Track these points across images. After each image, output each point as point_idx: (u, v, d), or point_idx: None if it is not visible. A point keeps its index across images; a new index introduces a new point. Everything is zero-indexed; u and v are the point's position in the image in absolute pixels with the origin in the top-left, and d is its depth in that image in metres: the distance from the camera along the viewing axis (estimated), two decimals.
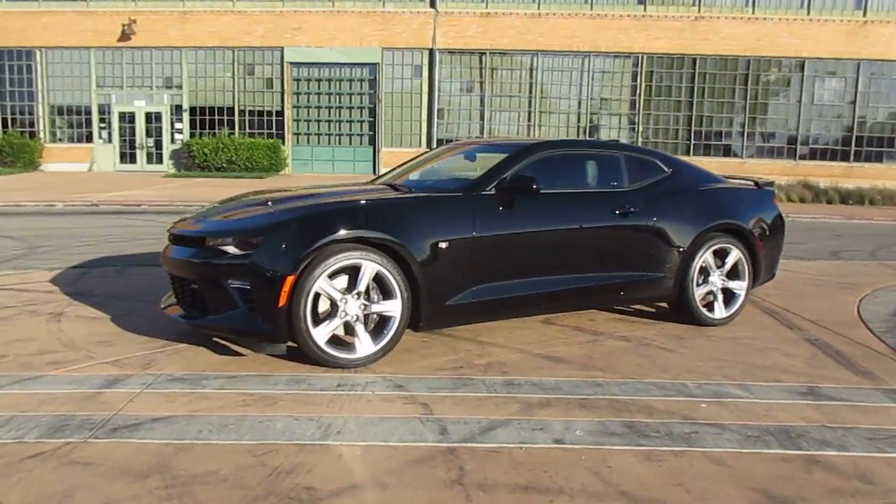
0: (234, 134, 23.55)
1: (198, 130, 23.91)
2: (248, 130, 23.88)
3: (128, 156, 24.12)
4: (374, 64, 23.55)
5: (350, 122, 24.08)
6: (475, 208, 4.51)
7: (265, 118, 24.00)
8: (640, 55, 23.61)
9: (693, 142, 23.86)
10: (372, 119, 23.93)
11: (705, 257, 5.27)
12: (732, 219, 5.39)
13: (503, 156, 5.02)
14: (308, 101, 24.06)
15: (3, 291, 5.98)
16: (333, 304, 4.09)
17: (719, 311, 5.38)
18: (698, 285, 5.27)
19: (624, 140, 23.00)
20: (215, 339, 4.59)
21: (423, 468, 2.92)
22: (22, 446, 3.03)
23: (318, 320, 4.05)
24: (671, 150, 22.65)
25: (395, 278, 4.15)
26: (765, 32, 23.27)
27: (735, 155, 23.90)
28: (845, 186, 20.18)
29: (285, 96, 23.77)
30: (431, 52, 23.45)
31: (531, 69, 23.79)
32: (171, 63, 23.84)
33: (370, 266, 4.09)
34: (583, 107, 24.04)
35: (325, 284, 4.02)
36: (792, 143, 23.99)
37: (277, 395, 3.68)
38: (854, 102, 23.71)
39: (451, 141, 22.94)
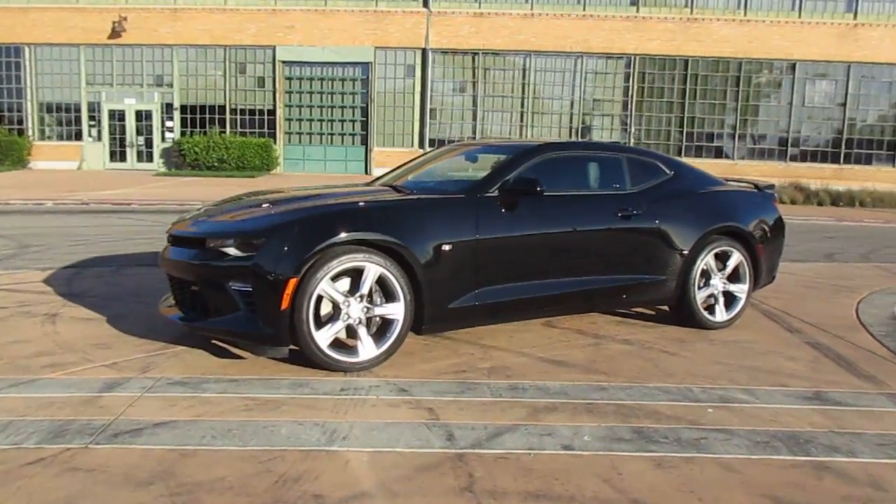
0: (225, 133, 23.43)
1: (189, 129, 23.78)
2: (239, 129, 23.77)
3: (118, 154, 23.96)
4: (367, 63, 23.49)
5: (342, 121, 24.01)
6: (478, 210, 4.47)
7: (257, 117, 23.89)
8: (632, 56, 23.67)
9: (685, 143, 23.94)
10: (364, 119, 23.87)
11: (707, 260, 5.25)
12: (734, 221, 5.38)
13: (505, 157, 4.99)
14: (300, 101, 23.97)
15: None
16: (336, 307, 4.04)
17: (720, 315, 5.36)
18: (700, 288, 5.26)
19: (616, 141, 23.05)
20: (214, 341, 4.53)
21: (431, 475, 2.87)
22: (21, 452, 2.97)
23: (320, 323, 4.00)
24: (663, 151, 22.68)
25: (398, 281, 4.10)
26: (756, 34, 23.38)
27: (726, 156, 24.00)
28: (836, 188, 20.31)
29: (277, 95, 23.66)
30: (424, 51, 23.41)
31: (524, 69, 23.80)
32: (162, 61, 23.69)
33: (373, 268, 4.04)
34: (575, 107, 24.07)
35: (328, 287, 3.97)
36: (783, 144, 24.12)
37: (280, 400, 3.63)
38: (844, 105, 23.86)
39: (444, 141, 22.97)
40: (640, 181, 5.23)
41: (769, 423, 3.52)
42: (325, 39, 23.27)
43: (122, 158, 23.95)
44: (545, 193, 4.59)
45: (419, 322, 4.26)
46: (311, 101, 23.96)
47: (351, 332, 4.12)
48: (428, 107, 23.68)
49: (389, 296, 4.13)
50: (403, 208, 4.40)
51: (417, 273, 4.16)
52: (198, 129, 23.70)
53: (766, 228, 5.65)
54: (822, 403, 3.85)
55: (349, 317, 4.05)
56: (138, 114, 23.84)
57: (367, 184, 5.67)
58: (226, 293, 3.98)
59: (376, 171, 22.77)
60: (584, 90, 23.96)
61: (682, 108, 23.92)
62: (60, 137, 24.06)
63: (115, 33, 23.13)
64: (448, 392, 3.82)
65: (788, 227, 6.15)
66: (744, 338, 5.17)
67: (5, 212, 12.32)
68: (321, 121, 24.02)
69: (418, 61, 23.58)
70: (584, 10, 23.36)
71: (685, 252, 5.16)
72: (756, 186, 6.00)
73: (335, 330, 4.03)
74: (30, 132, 23.68)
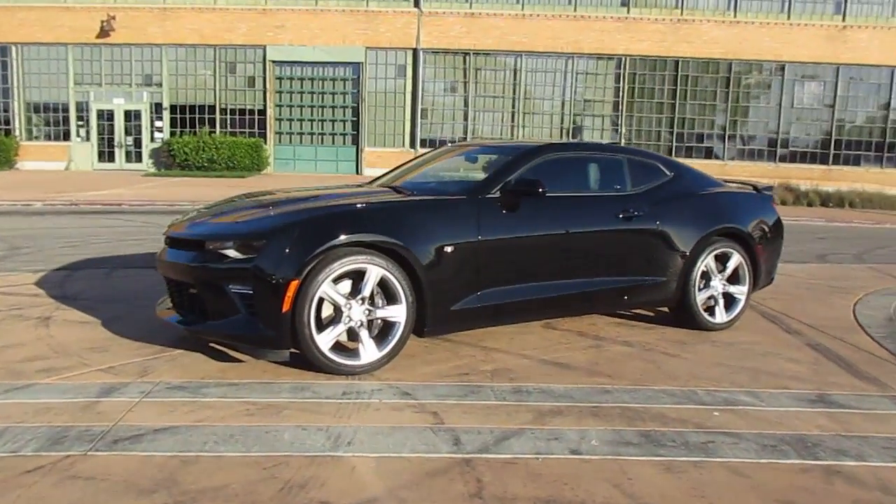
0: (215, 133, 23.28)
1: (178, 129, 23.60)
2: (229, 129, 23.62)
3: (106, 154, 23.75)
4: (358, 63, 23.40)
5: (333, 121, 23.90)
6: (480, 211, 4.43)
7: (247, 117, 23.76)
8: (622, 57, 23.70)
9: (675, 144, 23.99)
10: (355, 119, 23.78)
11: (707, 262, 5.24)
12: (734, 223, 5.37)
13: (504, 158, 4.95)
14: (290, 101, 23.86)
15: None
16: (337, 310, 3.99)
17: (720, 316, 5.35)
18: (700, 290, 5.24)
19: (607, 142, 23.07)
20: (212, 344, 4.47)
21: (440, 481, 2.83)
22: (19, 460, 2.90)
23: (321, 326, 3.95)
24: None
25: (400, 283, 4.05)
26: (746, 36, 23.47)
27: (716, 157, 24.07)
28: (825, 189, 20.42)
29: (267, 95, 23.54)
30: (415, 51, 23.35)
31: (515, 70, 23.79)
32: (151, 60, 23.51)
33: (375, 270, 3.99)
34: (566, 108, 24.08)
35: (329, 289, 3.92)
36: (772, 145, 24.23)
37: (282, 404, 3.57)
38: (833, 106, 23.99)
39: (435, 141, 22.92)
40: (641, 182, 5.21)
41: (776, 427, 3.50)
42: (315, 39, 23.17)
43: (111, 159, 23.75)
44: (547, 195, 4.55)
45: (421, 324, 4.21)
46: (301, 100, 23.85)
47: (352, 334, 4.08)
48: (419, 107, 23.62)
49: (391, 298, 4.08)
50: (405, 210, 4.35)
51: (419, 275, 4.11)
52: (187, 129, 23.53)
53: (766, 230, 5.65)
54: (826, 406, 3.83)
55: (351, 319, 4.00)
56: (127, 114, 23.64)
57: (366, 184, 5.61)
58: (225, 296, 3.92)
59: (367, 172, 22.72)
60: (574, 91, 23.98)
61: (673, 108, 23.98)
62: (48, 138, 23.83)
63: (103, 32, 22.94)
64: (451, 395, 3.78)
65: None
66: (744, 339, 5.16)
67: None
68: (312, 121, 23.91)
69: (409, 61, 23.52)
70: (574, 10, 23.38)
71: (686, 253, 5.14)
72: (755, 188, 6.00)
73: (337, 333, 3.98)
74: (17, 132, 23.43)
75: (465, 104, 23.87)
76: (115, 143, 23.70)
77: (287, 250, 3.84)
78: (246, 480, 2.79)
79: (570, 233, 4.76)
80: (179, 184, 18.65)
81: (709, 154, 24.10)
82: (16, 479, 2.74)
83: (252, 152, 22.72)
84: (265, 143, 23.44)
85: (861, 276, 8.33)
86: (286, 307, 3.81)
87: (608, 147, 5.91)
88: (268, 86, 23.47)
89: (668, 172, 5.40)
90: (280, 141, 23.96)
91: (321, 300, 3.92)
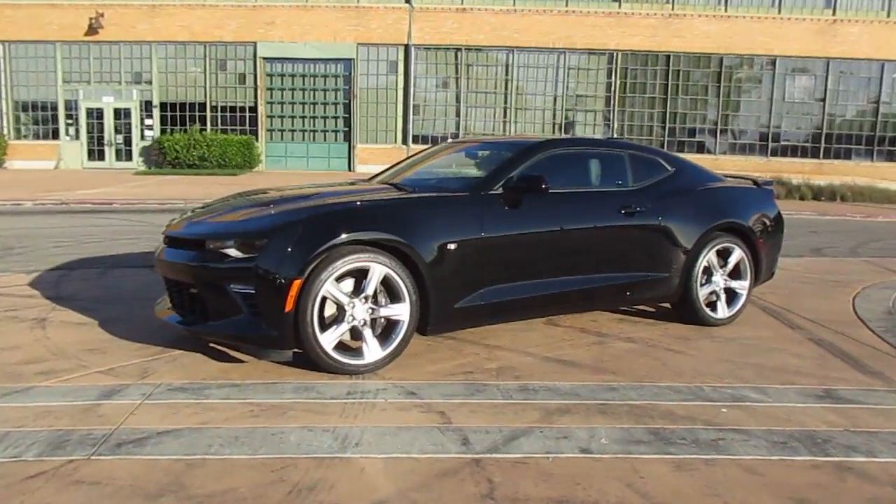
0: (206, 130, 23.14)
1: (169, 127, 23.45)
2: (220, 127, 23.49)
3: (96, 153, 23.58)
4: (349, 59, 23.31)
5: (325, 118, 23.81)
6: (483, 208, 4.39)
7: (238, 114, 23.63)
8: (614, 52, 23.71)
9: (667, 138, 24.03)
10: (347, 115, 23.70)
11: (709, 257, 5.22)
12: (735, 218, 5.35)
13: (506, 154, 4.91)
14: (282, 97, 23.74)
15: None
16: (340, 309, 3.94)
17: (722, 311, 5.33)
18: (702, 285, 5.22)
19: (599, 137, 23.07)
20: (212, 345, 4.41)
21: (450, 482, 2.79)
22: (21, 465, 2.84)
23: (324, 325, 3.90)
24: None
25: (403, 281, 4.01)
26: (737, 30, 23.52)
27: (708, 151, 24.11)
28: (817, 183, 20.49)
29: (258, 92, 23.42)
30: (407, 47, 23.28)
31: (507, 65, 23.75)
32: (141, 58, 23.34)
33: (378, 269, 3.94)
34: (558, 103, 24.08)
35: (333, 288, 3.87)
36: (764, 139, 24.30)
37: (287, 405, 3.52)
38: (824, 100, 24.09)
39: (427, 137, 22.85)
40: (643, 178, 5.18)
41: (785, 423, 3.48)
42: (306, 35, 23.06)
43: (101, 157, 23.56)
44: (549, 191, 4.51)
45: (424, 323, 4.17)
46: (292, 97, 23.74)
47: (355, 333, 4.02)
48: (411, 103, 23.56)
49: (395, 296, 4.04)
50: (408, 207, 4.30)
51: (423, 273, 4.06)
52: (178, 127, 23.38)
53: (766, 224, 5.63)
54: (834, 402, 3.81)
55: (354, 318, 3.95)
56: (117, 112, 23.47)
57: (366, 181, 5.56)
58: (227, 295, 3.87)
59: (360, 168, 22.65)
60: (566, 86, 23.97)
61: (664, 103, 24.02)
62: (37, 136, 23.63)
63: (92, 30, 22.75)
64: (457, 394, 3.74)
65: None
66: (747, 335, 5.14)
67: None
68: (303, 118, 23.81)
69: (401, 57, 23.45)
70: (566, 5, 23.36)
71: (688, 249, 5.12)
72: (755, 182, 5.98)
73: (340, 332, 3.93)
74: (5, 131, 23.22)
75: (457, 100, 23.83)
76: (105, 142, 23.52)
77: (289, 249, 3.79)
78: (254, 483, 2.74)
79: (572, 229, 4.72)
80: (171, 182, 18.52)
81: (700, 148, 24.14)
82: (18, 486, 2.68)
83: (243, 150, 22.60)
84: (256, 140, 23.33)
85: (857, 269, 8.34)
86: (289, 307, 3.76)
87: (609, 142, 5.88)
88: (259, 83, 23.35)
89: (669, 168, 5.37)
90: (271, 138, 23.85)
91: (324, 299, 3.87)
